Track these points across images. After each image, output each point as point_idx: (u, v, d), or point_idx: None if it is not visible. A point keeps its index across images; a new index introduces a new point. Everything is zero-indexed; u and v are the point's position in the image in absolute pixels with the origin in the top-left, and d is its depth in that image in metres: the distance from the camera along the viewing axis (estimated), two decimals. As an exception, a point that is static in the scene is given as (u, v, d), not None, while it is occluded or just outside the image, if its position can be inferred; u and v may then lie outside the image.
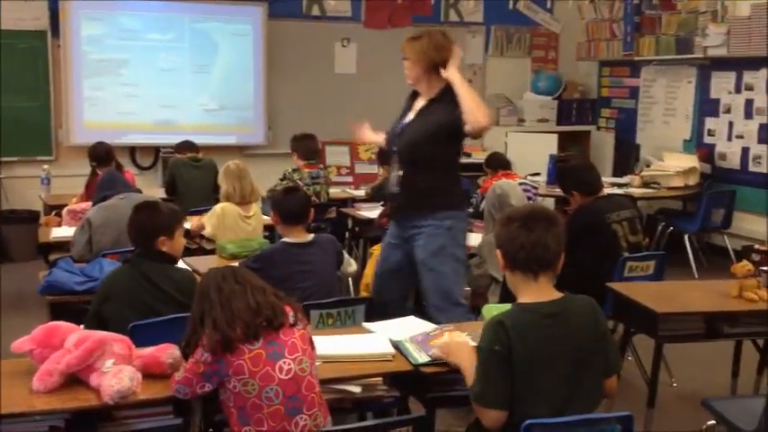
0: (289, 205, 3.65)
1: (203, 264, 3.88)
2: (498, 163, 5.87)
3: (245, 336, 2.21)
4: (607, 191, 5.00)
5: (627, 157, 7.98)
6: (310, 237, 3.64)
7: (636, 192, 6.61)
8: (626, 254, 4.12)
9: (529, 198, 5.31)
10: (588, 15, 8.73)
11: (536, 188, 6.03)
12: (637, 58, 8.04)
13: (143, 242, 3.04)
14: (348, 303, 3.30)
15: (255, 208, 4.76)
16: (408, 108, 3.76)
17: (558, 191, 6.68)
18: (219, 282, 2.33)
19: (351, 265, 3.94)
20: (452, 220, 3.61)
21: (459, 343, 2.55)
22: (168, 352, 2.43)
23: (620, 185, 6.84)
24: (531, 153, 7.60)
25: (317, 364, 2.41)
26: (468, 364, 2.40)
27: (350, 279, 5.26)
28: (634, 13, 8.03)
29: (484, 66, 8.83)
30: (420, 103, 3.70)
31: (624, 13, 8.18)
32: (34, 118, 7.29)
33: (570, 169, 4.76)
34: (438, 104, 3.60)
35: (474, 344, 2.46)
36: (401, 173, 3.65)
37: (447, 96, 3.56)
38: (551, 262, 2.32)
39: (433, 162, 3.59)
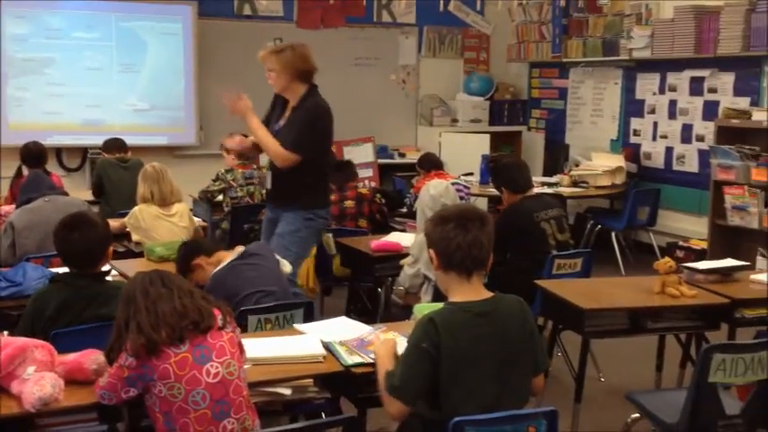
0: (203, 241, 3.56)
1: (131, 267, 3.81)
2: (431, 163, 5.93)
3: (170, 339, 2.18)
4: (537, 190, 5.13)
5: (556, 157, 8.14)
6: (240, 249, 3.49)
7: (565, 191, 6.76)
8: (554, 252, 4.21)
9: (462, 198, 5.37)
10: (518, 17, 8.88)
11: (468, 188, 6.11)
12: (565, 60, 8.21)
13: (79, 266, 2.89)
14: (286, 308, 3.25)
15: (178, 207, 4.67)
16: (281, 113, 4.21)
17: (490, 190, 6.78)
18: (146, 285, 2.29)
19: (285, 266, 3.92)
20: (312, 218, 4.14)
21: (384, 340, 2.58)
22: (92, 358, 2.38)
23: (550, 185, 6.98)
24: (464, 153, 7.69)
25: (246, 366, 2.39)
26: (381, 353, 2.46)
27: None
28: (562, 16, 8.20)
29: (417, 66, 8.90)
30: (288, 111, 4.16)
31: (552, 16, 8.35)
32: (-44, 119, 7.05)
33: (502, 166, 4.84)
34: (300, 112, 4.10)
35: (403, 342, 2.49)
36: (272, 172, 4.19)
37: (306, 103, 4.10)
38: (485, 261, 2.37)
39: (300, 166, 4.03)
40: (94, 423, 2.32)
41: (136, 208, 4.57)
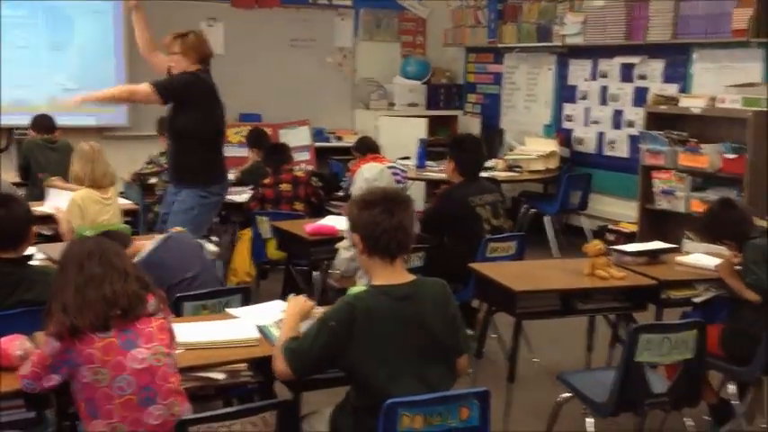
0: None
1: (59, 251, 3.70)
2: (367, 147, 5.92)
3: (93, 326, 2.13)
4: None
5: (492, 142, 8.21)
6: (162, 236, 3.43)
7: (500, 175, 6.83)
8: (489, 236, 4.26)
9: (398, 182, 5.40)
10: (454, 3, 8.91)
11: (405, 171, 6.14)
12: (500, 45, 8.28)
13: (1, 246, 2.79)
14: (223, 294, 3.22)
15: (113, 191, 4.56)
16: None
17: (427, 174, 6.83)
18: (83, 258, 2.23)
19: (209, 248, 3.86)
20: (206, 196, 4.41)
21: (299, 299, 2.63)
22: (17, 343, 2.32)
23: (485, 169, 7.02)
24: (402, 137, 7.71)
25: (178, 351, 2.36)
26: (290, 315, 2.52)
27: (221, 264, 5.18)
28: (497, 1, 8.27)
29: (354, 49, 8.85)
30: None
31: (488, 1, 8.41)
32: None
33: (457, 141, 4.79)
34: None
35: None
36: (170, 150, 4.60)
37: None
38: (408, 245, 2.39)
39: (193, 143, 4.36)
40: (21, 410, 2.26)
41: (75, 196, 4.37)
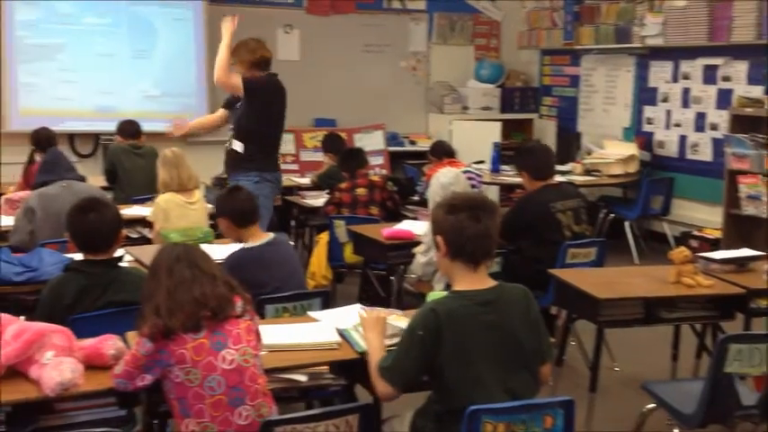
0: (238, 204, 3.50)
1: (147, 253, 3.81)
2: (443, 151, 5.91)
3: (185, 327, 2.19)
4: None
5: (568, 145, 8.11)
6: (270, 236, 3.53)
7: (577, 179, 6.71)
8: (568, 242, 4.19)
9: (473, 186, 5.36)
10: (529, 4, 8.83)
11: (480, 176, 6.10)
12: (577, 47, 8.16)
13: (93, 248, 2.91)
14: (304, 297, 3.26)
15: (198, 194, 4.68)
16: None
17: (501, 178, 6.78)
18: (172, 263, 2.30)
19: None
20: (259, 180, 4.75)
21: (372, 318, 2.59)
22: (110, 343, 2.40)
23: (562, 173, 6.93)
24: (475, 141, 7.66)
25: (262, 353, 2.40)
26: (371, 336, 2.49)
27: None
28: (574, 3, 8.15)
29: (428, 53, 8.86)
30: None
31: (564, 3, 8.30)
32: (-33, 104, 7.06)
33: (526, 150, 4.78)
34: None
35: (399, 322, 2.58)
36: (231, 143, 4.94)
37: None
38: (492, 252, 2.38)
39: (252, 136, 4.79)
40: (113, 408, 2.34)
41: (159, 199, 4.52)
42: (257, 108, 4.76)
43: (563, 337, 3.79)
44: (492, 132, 7.81)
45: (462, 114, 8.61)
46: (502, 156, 7.04)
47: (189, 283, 2.25)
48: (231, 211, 3.49)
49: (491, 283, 2.37)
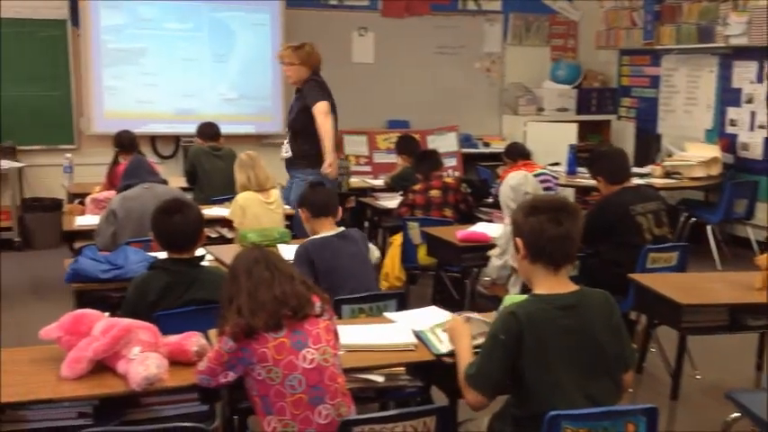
0: (317, 197, 3.70)
1: (226, 253, 3.90)
2: (518, 153, 5.86)
3: (267, 326, 2.23)
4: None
5: (648, 147, 7.92)
6: (340, 229, 3.64)
7: (657, 182, 6.55)
8: (649, 246, 4.09)
9: (549, 189, 5.29)
10: (607, 4, 8.66)
11: (557, 178, 6.00)
12: (657, 47, 7.96)
13: (178, 248, 3.01)
14: (380, 298, 3.30)
15: (275, 194, 4.76)
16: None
17: (578, 181, 6.67)
18: (251, 266, 2.34)
19: (374, 253, 3.95)
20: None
21: (457, 327, 2.57)
22: (193, 340, 2.45)
23: (641, 176, 6.78)
24: (551, 142, 7.56)
25: (340, 353, 2.42)
26: (460, 347, 2.46)
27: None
28: (654, 2, 7.96)
29: (502, 54, 8.79)
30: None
31: (644, 2, 8.11)
32: (55, 107, 7.33)
33: (599, 155, 4.72)
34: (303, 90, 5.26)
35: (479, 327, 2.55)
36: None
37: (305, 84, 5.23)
38: (574, 255, 2.33)
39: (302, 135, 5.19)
40: (195, 403, 2.39)
41: (238, 197, 4.62)
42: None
43: (644, 343, 3.71)
44: (568, 134, 7.70)
45: (537, 116, 8.50)
46: (578, 158, 6.93)
47: (269, 283, 2.29)
48: (309, 202, 3.70)
49: (572, 287, 2.33)
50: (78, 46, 7.30)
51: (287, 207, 4.98)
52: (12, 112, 7.14)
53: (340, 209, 3.79)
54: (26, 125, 7.19)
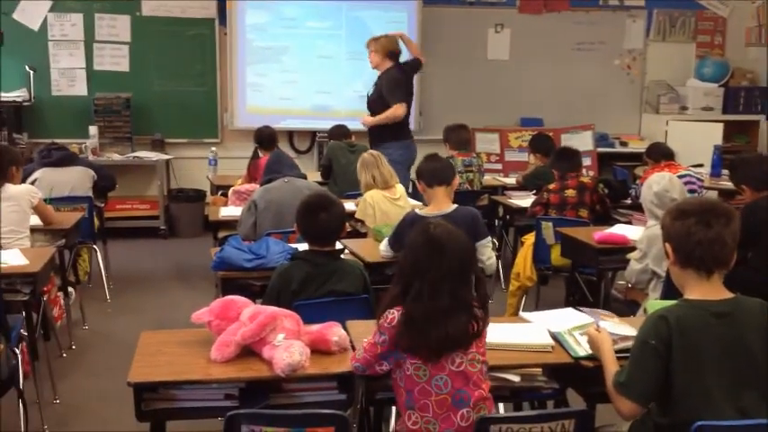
0: (428, 166, 3.86)
1: (360, 246, 3.99)
2: (661, 153, 5.66)
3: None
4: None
5: (799, 150, 7.47)
6: (450, 208, 3.76)
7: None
8: (803, 253, 3.86)
9: (694, 191, 5.08)
10: (760, -1, 8.23)
11: (702, 180, 5.75)
12: (815, 44, 7.49)
13: (321, 243, 3.10)
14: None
15: (401, 190, 4.80)
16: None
17: (723, 183, 6.35)
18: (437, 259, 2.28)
19: (490, 258, 3.90)
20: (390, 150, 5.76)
21: (599, 335, 2.50)
22: (333, 330, 2.51)
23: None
24: (694, 143, 7.25)
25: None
26: (606, 357, 2.38)
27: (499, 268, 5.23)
28: (813, -4, 7.49)
29: (644, 51, 8.50)
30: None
31: (802, -5, 7.65)
32: (202, 102, 7.70)
33: (741, 162, 4.50)
34: (382, 78, 6.25)
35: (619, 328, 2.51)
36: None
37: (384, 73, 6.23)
38: (727, 260, 2.23)
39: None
40: (334, 391, 2.44)
41: (366, 195, 4.70)
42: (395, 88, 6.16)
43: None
44: (712, 134, 7.35)
45: (680, 115, 8.18)
46: (723, 159, 6.61)
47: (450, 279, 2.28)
48: (422, 172, 3.91)
49: (727, 294, 2.23)
50: (224, 44, 7.63)
51: (415, 202, 5.02)
52: (161, 106, 7.56)
53: (457, 179, 3.94)
54: (174, 119, 7.60)
